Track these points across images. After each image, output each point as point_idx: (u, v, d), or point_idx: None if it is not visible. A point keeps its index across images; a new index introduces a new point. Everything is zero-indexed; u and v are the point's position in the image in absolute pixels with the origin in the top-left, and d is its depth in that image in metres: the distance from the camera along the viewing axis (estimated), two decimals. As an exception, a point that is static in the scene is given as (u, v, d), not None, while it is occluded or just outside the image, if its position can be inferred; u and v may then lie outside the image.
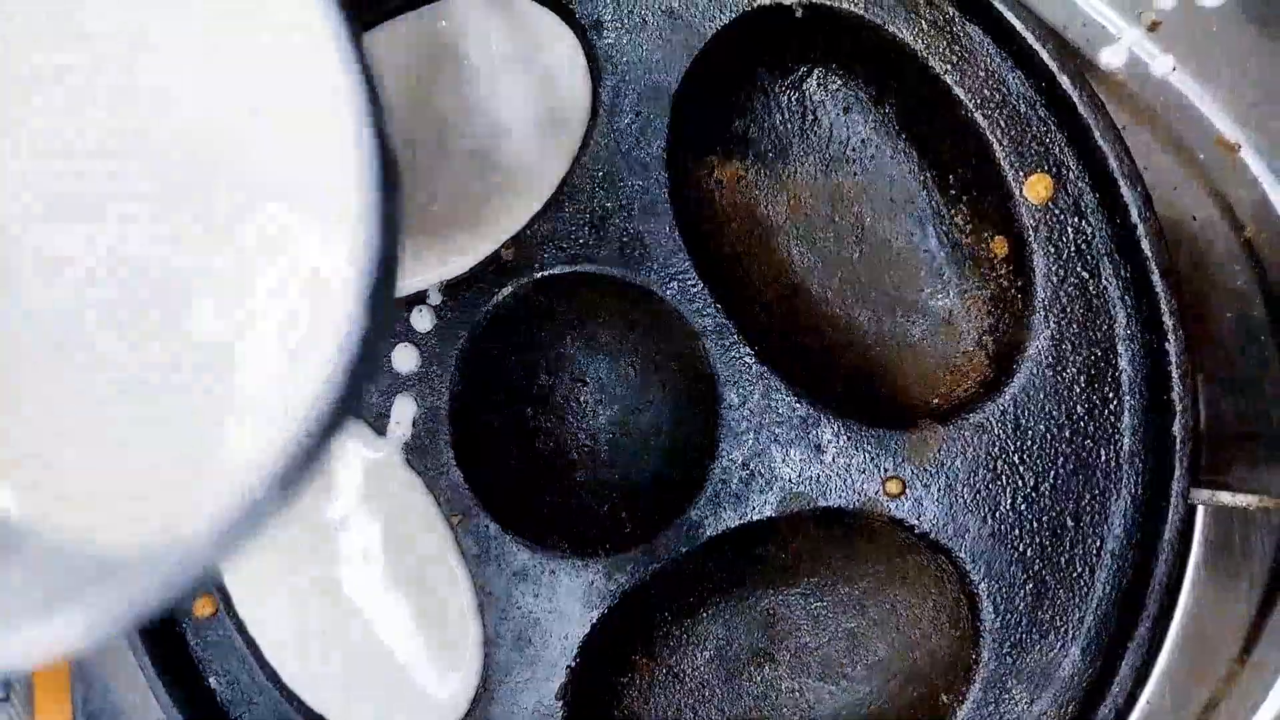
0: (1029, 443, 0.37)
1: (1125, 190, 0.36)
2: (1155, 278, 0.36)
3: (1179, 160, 0.45)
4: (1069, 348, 0.37)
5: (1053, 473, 0.37)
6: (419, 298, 0.39)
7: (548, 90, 0.39)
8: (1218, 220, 0.44)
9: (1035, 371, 0.37)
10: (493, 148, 0.39)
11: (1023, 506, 0.37)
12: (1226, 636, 0.44)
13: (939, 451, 0.37)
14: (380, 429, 0.40)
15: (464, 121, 0.39)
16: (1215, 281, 0.44)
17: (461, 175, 0.39)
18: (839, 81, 0.42)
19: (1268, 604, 0.44)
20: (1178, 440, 0.36)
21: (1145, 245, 0.36)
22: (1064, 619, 0.36)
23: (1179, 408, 0.36)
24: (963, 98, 0.38)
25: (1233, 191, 0.44)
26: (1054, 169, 0.37)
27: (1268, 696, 0.44)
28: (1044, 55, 0.36)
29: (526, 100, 0.39)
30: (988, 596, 0.37)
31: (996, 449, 0.37)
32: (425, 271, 0.39)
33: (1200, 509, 0.44)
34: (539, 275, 0.39)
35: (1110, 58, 0.45)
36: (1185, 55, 0.45)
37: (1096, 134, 0.36)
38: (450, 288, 0.39)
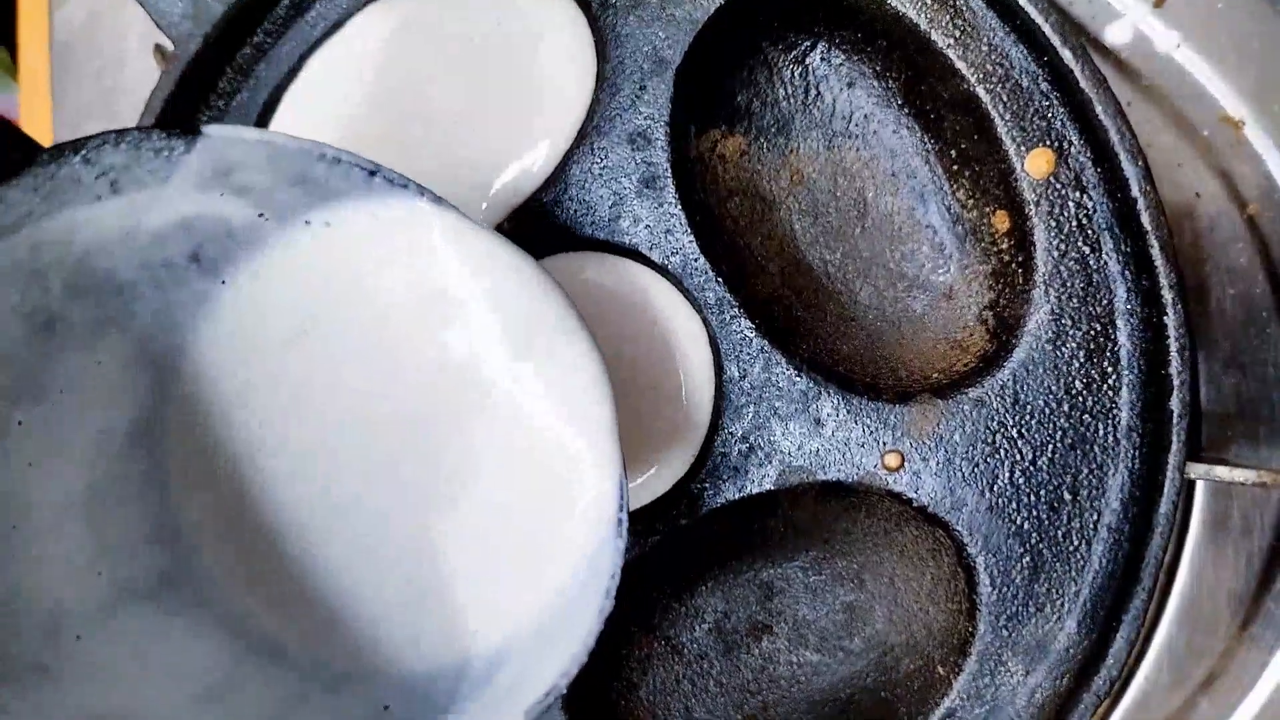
0: (1027, 417, 0.37)
1: (1126, 165, 0.36)
2: (1155, 253, 0.36)
3: (1183, 136, 0.45)
4: (1069, 322, 0.37)
5: (1051, 447, 0.37)
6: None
7: (553, 66, 0.39)
8: (1221, 196, 0.44)
9: (1035, 346, 0.37)
10: (497, 123, 0.39)
11: (1020, 480, 0.37)
12: (1225, 612, 0.45)
13: (938, 426, 0.37)
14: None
15: (467, 97, 0.39)
16: (1218, 258, 0.44)
17: (463, 151, 0.39)
18: (842, 56, 0.42)
19: (1266, 579, 0.44)
20: (1175, 415, 0.36)
21: (1145, 220, 0.36)
22: (1060, 592, 0.36)
23: (1177, 382, 0.36)
24: (965, 72, 0.38)
25: (1236, 168, 0.44)
26: (1055, 144, 0.37)
27: (1265, 671, 0.44)
28: (1046, 29, 0.36)
29: (531, 77, 0.39)
30: (984, 570, 0.37)
31: (995, 423, 0.37)
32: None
33: (1200, 485, 0.45)
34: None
35: (1115, 34, 0.45)
36: (1190, 32, 0.45)
37: (1098, 109, 0.36)
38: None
